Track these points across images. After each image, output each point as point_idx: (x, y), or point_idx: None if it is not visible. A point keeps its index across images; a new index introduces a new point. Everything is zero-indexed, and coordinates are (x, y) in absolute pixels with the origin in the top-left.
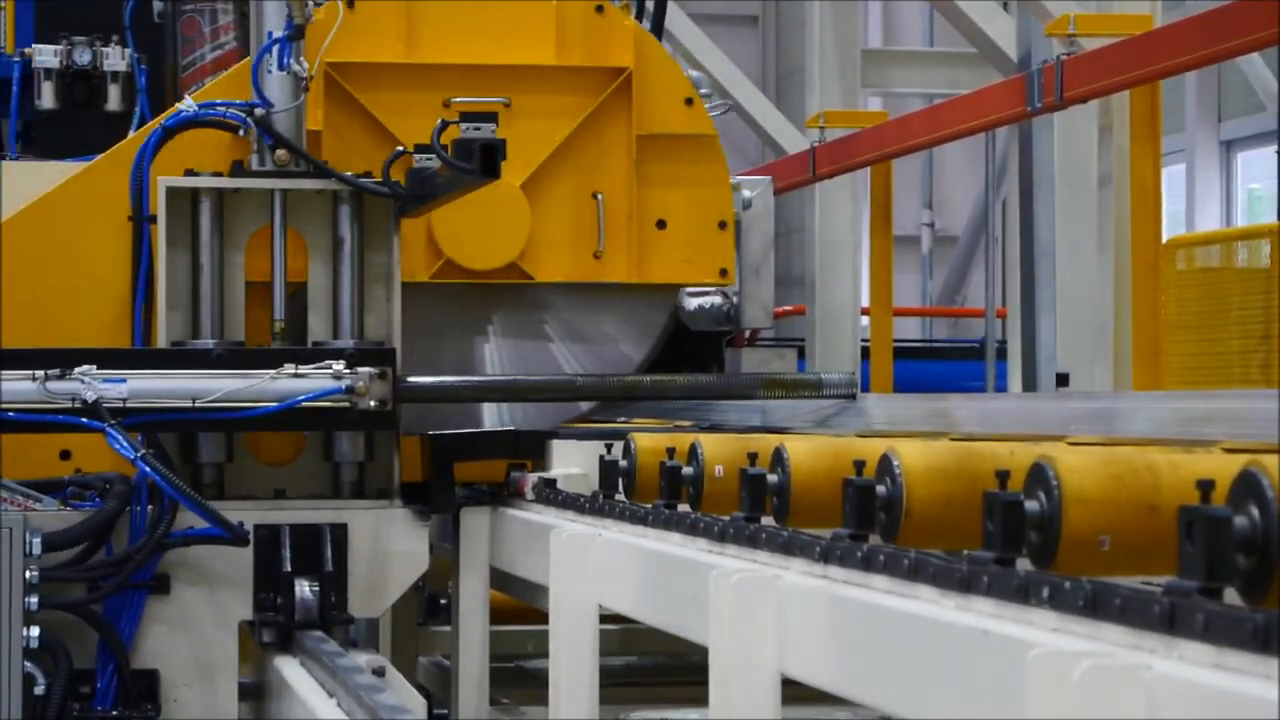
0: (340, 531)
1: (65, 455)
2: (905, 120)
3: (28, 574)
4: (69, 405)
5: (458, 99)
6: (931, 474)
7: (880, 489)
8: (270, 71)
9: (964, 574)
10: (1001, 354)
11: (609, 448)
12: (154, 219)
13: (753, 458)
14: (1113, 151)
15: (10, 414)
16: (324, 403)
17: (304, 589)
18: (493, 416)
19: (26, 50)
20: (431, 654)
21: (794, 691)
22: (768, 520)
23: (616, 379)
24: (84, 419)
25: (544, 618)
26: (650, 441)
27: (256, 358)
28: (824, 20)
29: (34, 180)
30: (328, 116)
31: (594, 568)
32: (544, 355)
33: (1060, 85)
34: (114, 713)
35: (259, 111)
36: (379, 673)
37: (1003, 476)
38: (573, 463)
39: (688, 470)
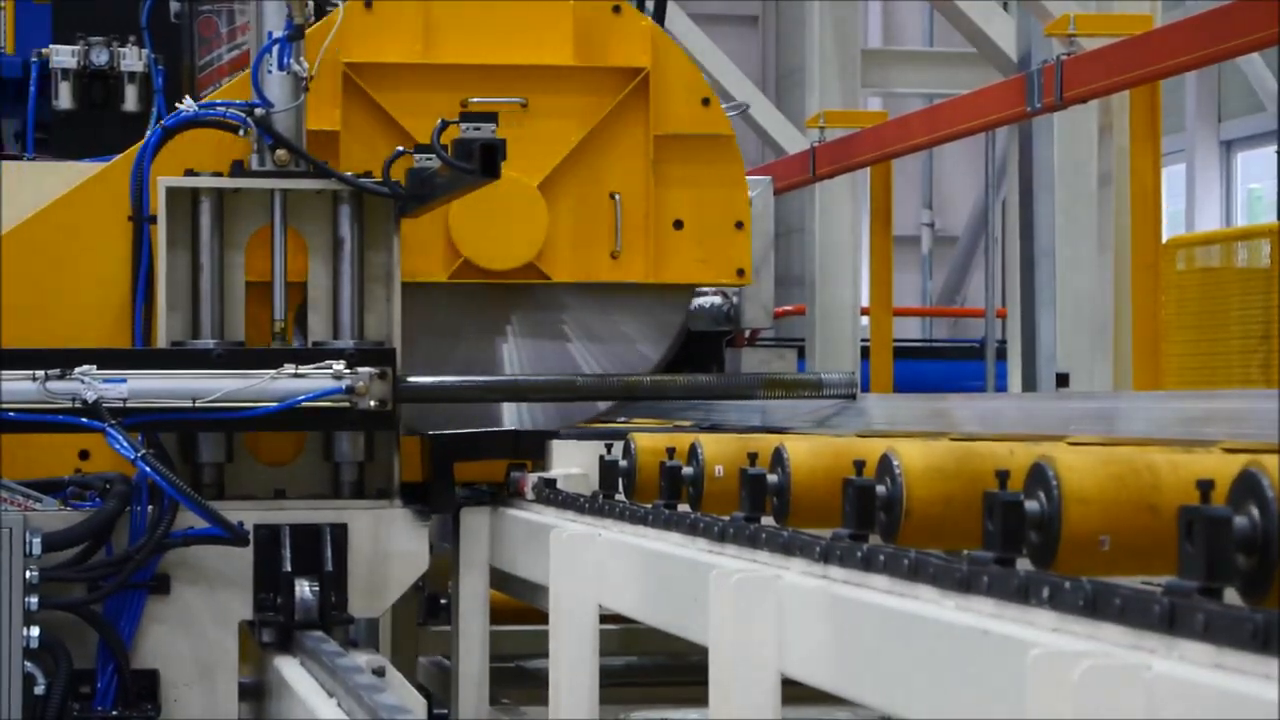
0: (340, 531)
1: (84, 455)
2: (905, 120)
3: (28, 574)
4: (69, 405)
5: (475, 99)
6: (931, 474)
7: (880, 489)
8: (270, 71)
9: (964, 574)
10: (1001, 354)
11: (609, 448)
12: (154, 219)
13: (753, 458)
14: (1113, 151)
15: (10, 414)
16: (324, 403)
17: (304, 589)
18: (512, 417)
19: (43, 50)
20: (431, 654)
21: (794, 691)
22: (768, 520)
23: (617, 379)
24: (84, 419)
25: (544, 618)
26: (650, 441)
27: (256, 358)
28: (824, 20)
29: (51, 180)
30: (345, 117)
31: (594, 568)
32: (561, 355)
33: (1060, 85)
34: (114, 713)
35: (259, 111)
36: (379, 673)
37: (1003, 476)
38: (573, 463)
39: (688, 470)
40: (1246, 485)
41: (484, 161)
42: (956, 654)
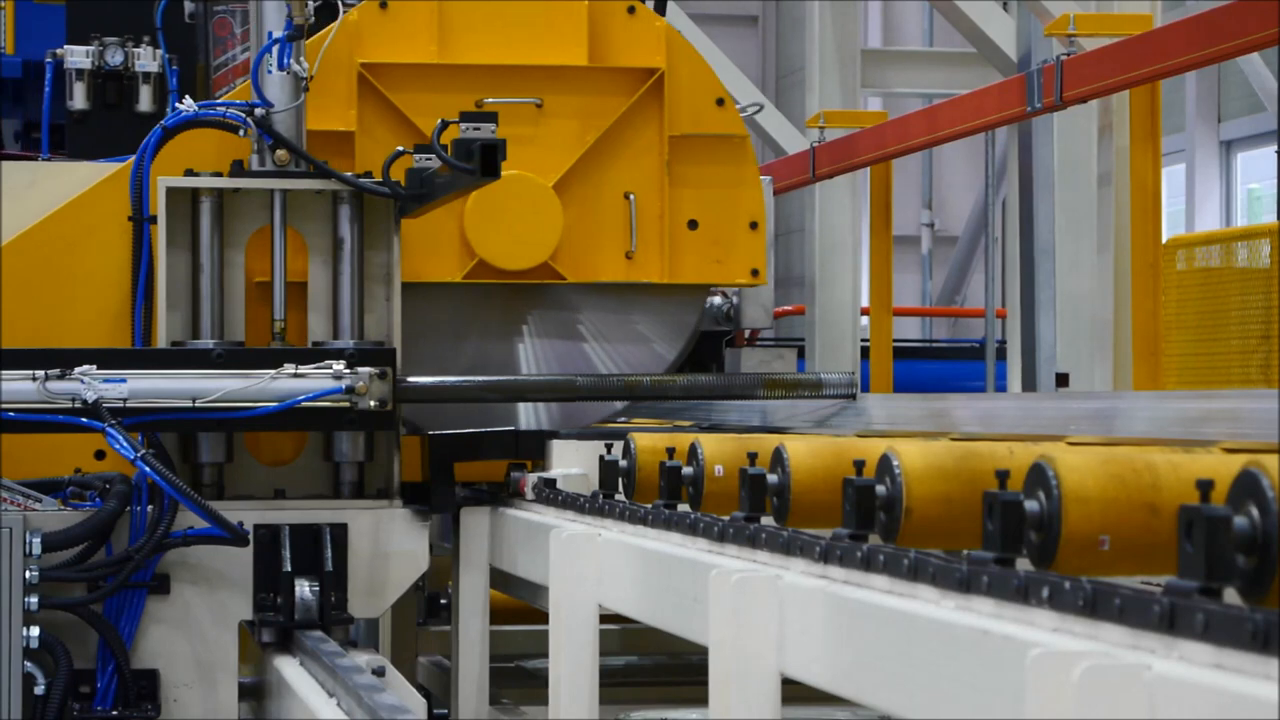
0: (340, 531)
1: (100, 455)
2: (905, 120)
3: (28, 574)
4: (69, 405)
5: (490, 99)
6: (931, 474)
7: (880, 489)
8: (270, 71)
9: (964, 574)
10: (1001, 354)
11: (609, 448)
12: (154, 219)
13: (753, 458)
14: (1113, 151)
15: (10, 414)
16: (324, 403)
17: (304, 589)
18: (529, 418)
19: (58, 51)
20: (431, 654)
21: (794, 691)
22: (768, 520)
23: (617, 379)
24: (84, 419)
25: (544, 618)
26: (650, 441)
27: (256, 358)
28: (824, 20)
29: (67, 181)
30: (361, 117)
31: (594, 568)
32: (577, 355)
33: (1060, 85)
34: (114, 713)
35: (259, 111)
36: (379, 673)
37: (1003, 476)
38: (573, 463)
39: (688, 470)
40: (1246, 485)
41: (484, 161)
42: (956, 654)
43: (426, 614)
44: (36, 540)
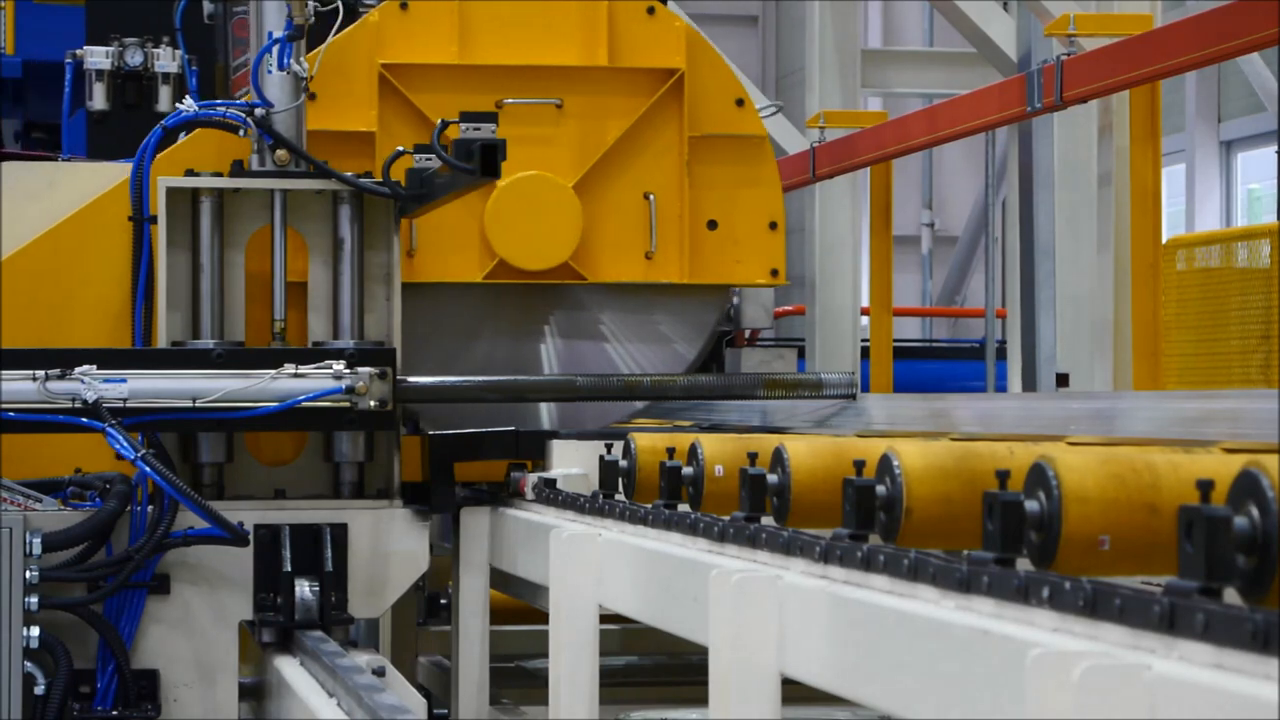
0: (340, 531)
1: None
2: (905, 120)
3: (28, 574)
4: (69, 405)
5: (510, 100)
6: (931, 474)
7: (880, 489)
8: (270, 71)
9: (964, 574)
10: (1001, 354)
11: (609, 448)
12: (154, 219)
13: (753, 458)
14: (1113, 151)
15: (10, 414)
16: (324, 403)
17: (304, 589)
18: (551, 418)
19: (77, 52)
20: (431, 654)
21: (794, 691)
22: (768, 520)
23: (617, 379)
24: (84, 419)
25: (544, 618)
26: (650, 441)
27: (256, 358)
28: (824, 20)
29: (87, 181)
30: (381, 118)
31: (594, 568)
32: (597, 355)
33: (1060, 85)
34: (114, 713)
35: (259, 111)
36: (379, 673)
37: (1003, 476)
38: (573, 463)
39: (688, 470)
40: (1246, 485)
41: (484, 161)
42: (956, 654)
43: (426, 614)
44: (36, 540)
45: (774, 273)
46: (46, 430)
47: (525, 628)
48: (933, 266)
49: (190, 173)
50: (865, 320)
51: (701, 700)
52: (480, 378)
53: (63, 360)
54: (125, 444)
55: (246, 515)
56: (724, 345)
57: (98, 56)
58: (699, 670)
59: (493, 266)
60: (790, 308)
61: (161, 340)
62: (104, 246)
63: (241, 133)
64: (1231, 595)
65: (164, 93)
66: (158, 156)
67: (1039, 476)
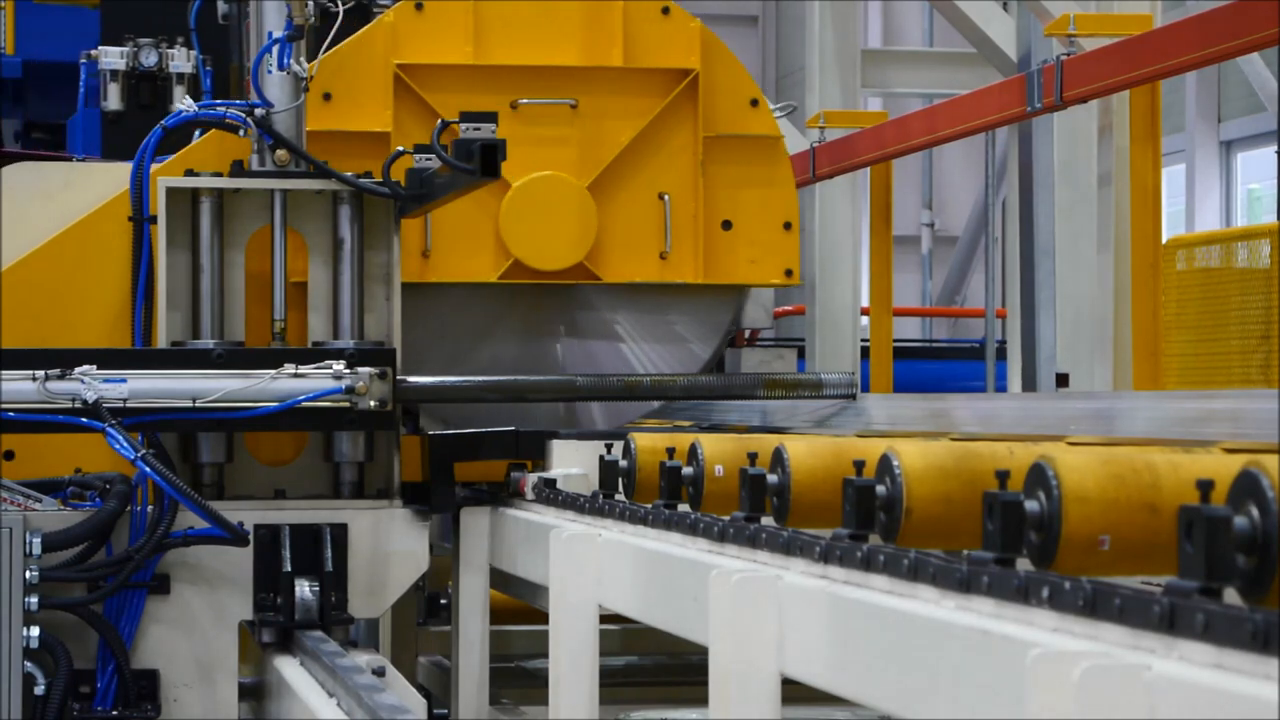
0: (340, 531)
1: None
2: (905, 120)
3: (28, 574)
4: (69, 405)
5: (525, 100)
6: (931, 474)
7: (880, 489)
8: (270, 71)
9: (964, 574)
10: (1001, 354)
11: (609, 448)
12: (154, 219)
13: (753, 458)
14: (1113, 151)
15: (10, 414)
16: (324, 403)
17: (304, 589)
18: (566, 419)
19: (92, 52)
20: (431, 654)
21: (794, 691)
22: (768, 520)
23: (617, 379)
24: (84, 419)
25: (544, 618)
26: (650, 441)
27: (256, 358)
28: (824, 20)
29: (101, 181)
30: (397, 118)
31: (594, 568)
32: (613, 355)
33: (1060, 85)
34: (114, 713)
35: (259, 111)
36: (379, 673)
37: (1003, 476)
38: (573, 463)
39: (688, 470)
40: (1246, 485)
41: (484, 161)
42: (956, 654)
43: (426, 614)
44: (36, 540)
45: (788, 273)
46: (46, 430)
47: (525, 628)
48: (933, 266)
49: (190, 173)
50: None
51: (701, 700)
52: (480, 378)
53: (63, 360)
54: (125, 444)
55: (246, 515)
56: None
57: (112, 57)
58: (699, 670)
59: (507, 267)
60: (790, 308)
61: (161, 340)
62: (117, 246)
63: (241, 133)
64: (1231, 595)
65: (178, 93)
66: (173, 157)
67: (1039, 476)
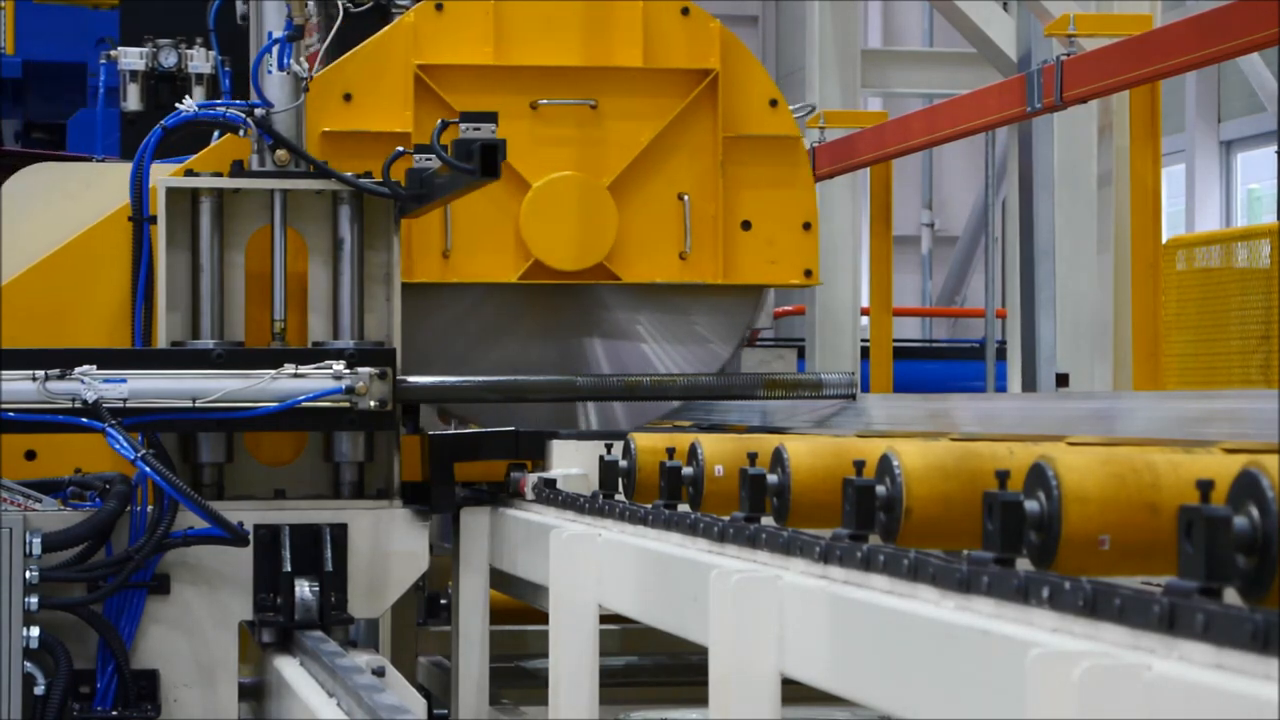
0: (340, 531)
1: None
2: (905, 120)
3: (28, 574)
4: (69, 405)
5: (544, 101)
6: (931, 474)
7: (880, 489)
8: (270, 71)
9: (964, 574)
10: (1001, 354)
11: (609, 448)
12: (154, 219)
13: (753, 458)
14: (1113, 151)
15: (10, 414)
16: (324, 403)
17: (304, 589)
18: (589, 419)
19: (112, 53)
20: (431, 654)
21: (794, 691)
22: (768, 520)
23: (617, 379)
24: (84, 419)
25: (544, 618)
26: (650, 441)
27: (256, 358)
28: (824, 20)
29: (122, 181)
30: (417, 119)
31: (594, 568)
32: (633, 355)
33: (1060, 85)
34: (114, 713)
35: (259, 111)
36: (379, 673)
37: (1002, 476)
38: (573, 463)
39: (688, 470)
40: (1246, 485)
41: (484, 161)
42: (956, 654)
43: (426, 614)
44: (36, 540)
45: (808, 273)
46: (46, 430)
47: (525, 628)
48: (933, 266)
49: (190, 173)
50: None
51: (701, 700)
52: (479, 378)
53: (63, 360)
54: (125, 444)
55: (246, 515)
56: None
57: (132, 58)
58: (699, 670)
59: (528, 267)
60: (790, 308)
61: (161, 340)
62: (127, 250)
63: (241, 133)
64: (1231, 595)
65: (198, 93)
66: (192, 158)
67: (1039, 476)
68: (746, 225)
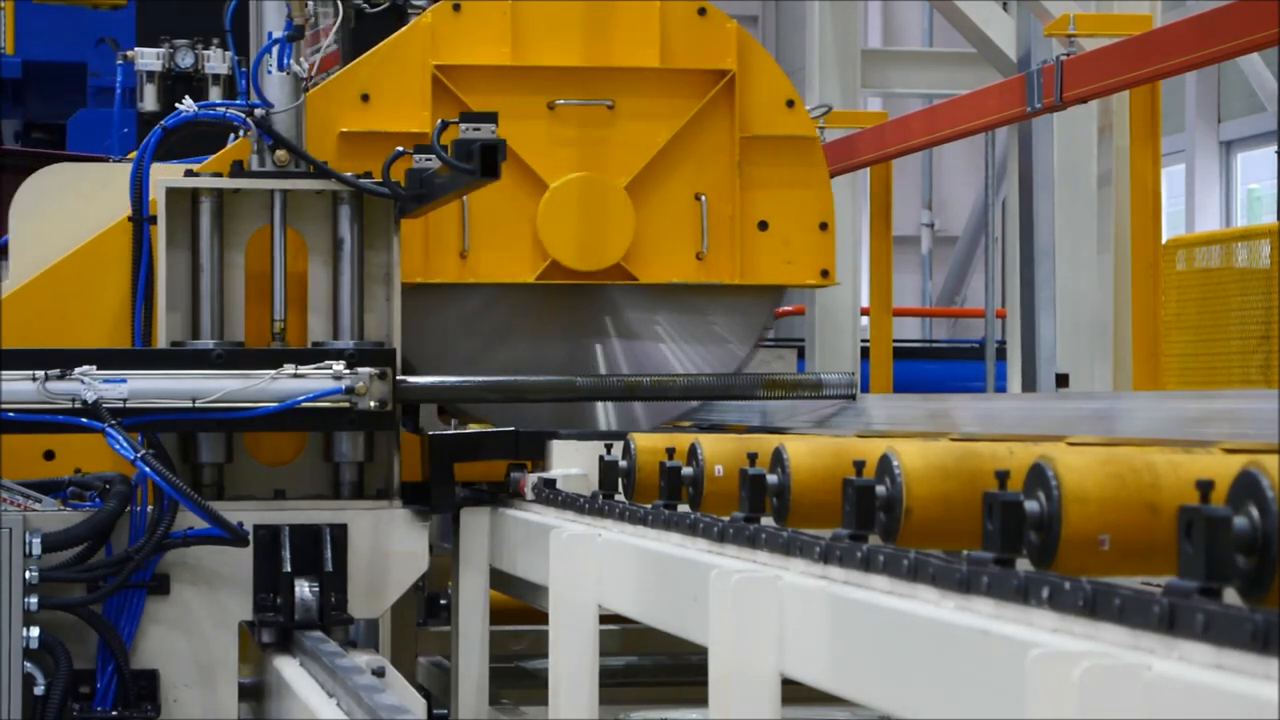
0: (340, 532)
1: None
2: (905, 120)
3: (28, 574)
4: (69, 405)
5: (562, 101)
6: (931, 474)
7: (880, 489)
8: (270, 71)
9: (964, 574)
10: (1001, 354)
11: (609, 448)
12: (154, 219)
13: (753, 458)
14: (1113, 151)
15: (10, 414)
16: (324, 403)
17: (304, 589)
18: (609, 419)
19: (129, 53)
20: (431, 654)
21: (794, 691)
22: (768, 520)
23: (617, 379)
24: (84, 419)
25: (544, 618)
26: (650, 441)
27: (256, 358)
28: (824, 20)
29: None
30: (434, 119)
31: (594, 568)
32: (651, 355)
33: (1060, 85)
34: (114, 713)
35: (259, 112)
36: (379, 673)
37: (1002, 476)
38: (573, 463)
39: (688, 470)
40: (1246, 485)
41: (484, 162)
42: (956, 654)
43: (426, 614)
44: (36, 540)
45: (824, 273)
46: (46, 430)
47: (525, 628)
48: (933, 266)
49: (190, 173)
50: (865, 320)
51: (701, 700)
52: (480, 378)
53: (62, 360)
54: (125, 444)
55: (246, 515)
56: None
57: (149, 58)
58: (699, 670)
59: (545, 267)
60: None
61: (161, 340)
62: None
63: (241, 133)
64: (1231, 595)
65: (214, 93)
66: (212, 158)
67: (1039, 476)
68: (763, 225)
